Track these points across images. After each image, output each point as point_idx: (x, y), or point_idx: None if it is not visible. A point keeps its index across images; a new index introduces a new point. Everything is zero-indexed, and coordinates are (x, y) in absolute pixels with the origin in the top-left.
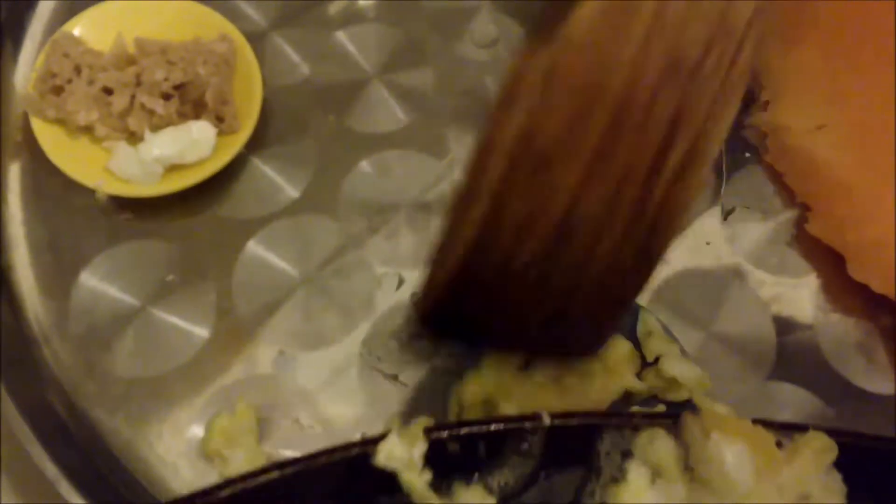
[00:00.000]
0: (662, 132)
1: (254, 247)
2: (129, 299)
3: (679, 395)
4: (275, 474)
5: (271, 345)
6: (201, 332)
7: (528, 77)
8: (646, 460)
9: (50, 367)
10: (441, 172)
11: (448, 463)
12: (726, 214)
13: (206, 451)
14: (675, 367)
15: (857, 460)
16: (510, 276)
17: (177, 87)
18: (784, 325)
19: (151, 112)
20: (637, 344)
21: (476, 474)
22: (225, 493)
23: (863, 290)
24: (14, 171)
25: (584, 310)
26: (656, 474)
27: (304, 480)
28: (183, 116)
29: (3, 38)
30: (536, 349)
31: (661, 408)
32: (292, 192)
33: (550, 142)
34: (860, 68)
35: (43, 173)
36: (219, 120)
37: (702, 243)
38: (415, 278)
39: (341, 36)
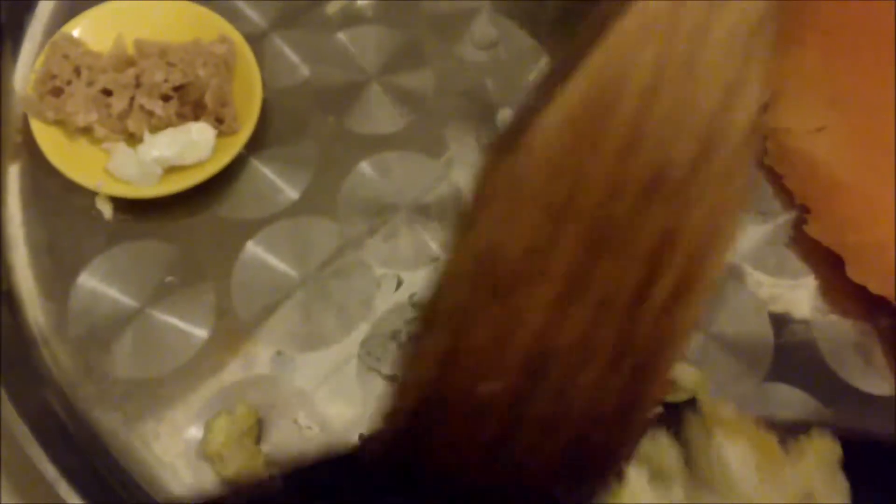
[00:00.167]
0: (647, 256)
1: (253, 248)
2: (128, 300)
3: (677, 397)
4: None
5: (270, 345)
6: (200, 332)
7: (488, 193)
8: (645, 460)
9: (49, 368)
10: (440, 173)
11: None
12: None
13: (204, 452)
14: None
15: (861, 459)
16: (473, 421)
17: (176, 89)
18: (782, 327)
19: (151, 113)
20: None
21: None
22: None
23: (861, 292)
24: (13, 173)
25: (555, 470)
26: (656, 475)
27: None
28: (182, 118)
29: (2, 39)
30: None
31: (658, 408)
32: (292, 193)
33: (514, 264)
34: (860, 70)
35: (42, 174)
36: (218, 121)
37: None
38: (414, 279)
39: (341, 37)
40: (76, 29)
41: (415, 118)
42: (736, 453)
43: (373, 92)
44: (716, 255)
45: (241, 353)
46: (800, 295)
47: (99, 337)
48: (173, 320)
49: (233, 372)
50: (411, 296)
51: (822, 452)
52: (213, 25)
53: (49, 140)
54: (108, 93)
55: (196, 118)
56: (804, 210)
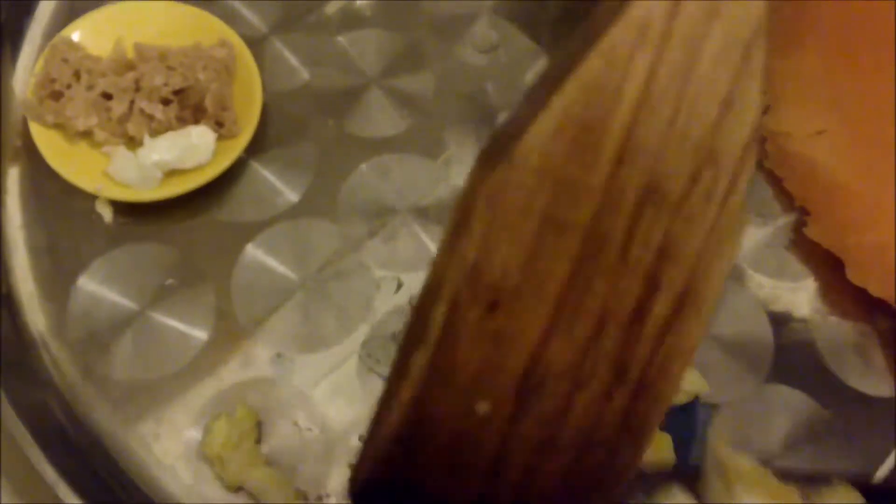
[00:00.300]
0: (644, 273)
1: (253, 250)
2: (127, 303)
3: (676, 399)
4: None
5: (270, 347)
6: (200, 335)
7: (475, 204)
8: None
9: (49, 371)
10: (440, 176)
11: None
12: None
13: (204, 454)
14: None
15: None
16: (461, 445)
17: (176, 93)
18: (782, 328)
19: (151, 117)
20: None
21: None
22: None
23: (861, 294)
24: (13, 176)
25: (555, 493)
26: None
27: None
28: (182, 121)
29: (1, 42)
30: None
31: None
32: (291, 195)
33: (502, 280)
34: (860, 73)
35: (42, 178)
36: (218, 125)
37: None
38: (414, 281)
39: (341, 40)
40: (76, 32)
41: (415, 121)
42: None
43: (373, 95)
44: (717, 271)
45: (241, 355)
46: (800, 296)
47: (99, 339)
48: (173, 322)
49: (233, 374)
50: (411, 298)
51: (843, 502)
52: (213, 29)
53: (49, 143)
54: (107, 96)
55: (196, 122)
56: (804, 212)
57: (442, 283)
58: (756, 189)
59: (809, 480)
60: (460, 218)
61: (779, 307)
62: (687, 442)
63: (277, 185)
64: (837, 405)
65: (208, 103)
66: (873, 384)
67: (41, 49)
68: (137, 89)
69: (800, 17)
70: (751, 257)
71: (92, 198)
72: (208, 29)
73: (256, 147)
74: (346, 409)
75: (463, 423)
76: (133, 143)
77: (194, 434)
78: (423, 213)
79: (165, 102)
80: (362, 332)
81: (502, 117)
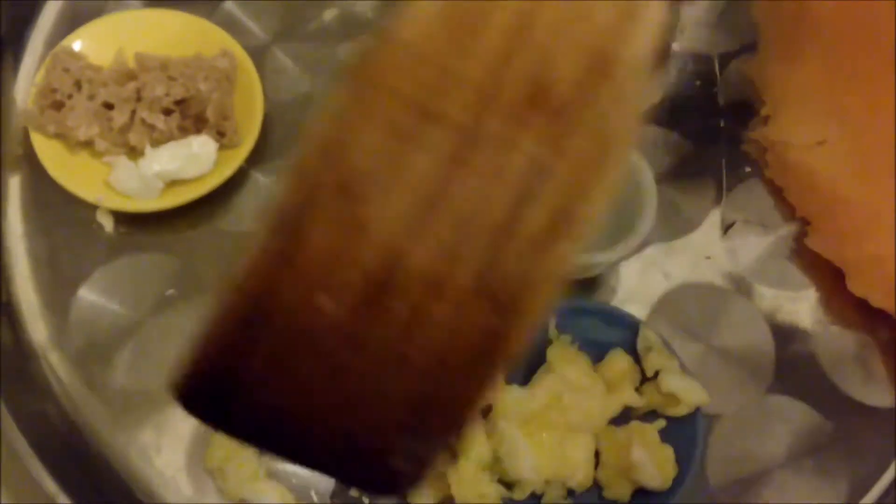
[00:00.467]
0: (518, 180)
1: None
2: (128, 313)
3: (678, 411)
4: None
5: None
6: None
7: (348, 78)
8: None
9: (49, 381)
10: None
11: None
12: (726, 228)
13: (206, 466)
14: (675, 382)
15: None
16: (302, 344)
17: (177, 103)
18: (783, 339)
19: (152, 127)
20: (637, 359)
21: None
22: None
23: (861, 304)
24: (14, 186)
25: (392, 418)
26: None
27: None
28: (184, 131)
29: (3, 51)
30: (329, 464)
31: (660, 422)
32: None
33: (365, 161)
34: (860, 83)
35: (43, 187)
36: (220, 135)
37: (702, 257)
38: None
39: (342, 50)
40: (77, 42)
41: None
42: None
43: None
44: (598, 191)
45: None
46: (801, 307)
47: (99, 349)
48: (174, 332)
49: None
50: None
51: None
52: (215, 39)
53: (50, 153)
54: (109, 106)
55: (197, 132)
56: (804, 223)
57: (302, 161)
58: (757, 200)
59: None
60: (332, 93)
61: (780, 318)
62: (688, 453)
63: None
64: (838, 416)
65: (209, 113)
66: (874, 394)
67: (43, 59)
68: (139, 99)
69: (800, 27)
70: (752, 268)
71: (93, 208)
72: (210, 39)
73: (258, 157)
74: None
75: (306, 320)
76: (134, 153)
77: (196, 446)
78: None
79: (167, 112)
80: None
81: None
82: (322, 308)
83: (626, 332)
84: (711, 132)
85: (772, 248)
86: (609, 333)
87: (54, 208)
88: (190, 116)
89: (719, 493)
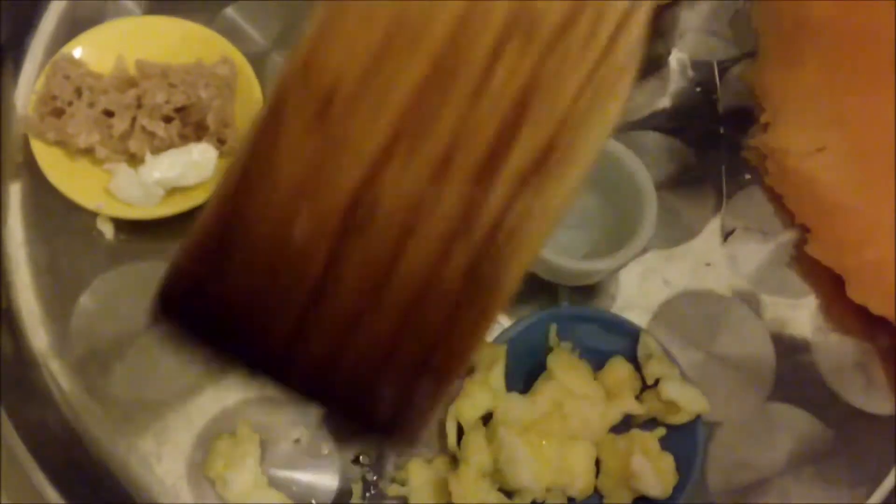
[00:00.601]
0: (503, 114)
1: None
2: (129, 321)
3: (679, 418)
4: None
5: None
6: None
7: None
8: None
9: (49, 389)
10: None
11: None
12: (726, 235)
13: (206, 474)
14: (675, 390)
15: None
16: (278, 267)
17: (178, 110)
18: (783, 346)
19: (152, 134)
20: (637, 366)
21: None
22: None
23: (862, 312)
24: (14, 193)
25: (373, 357)
26: None
27: None
28: (184, 139)
29: (3, 58)
30: (305, 385)
31: (661, 430)
32: None
33: (335, 83)
34: (860, 90)
35: (44, 194)
36: (220, 142)
37: (702, 264)
38: None
39: None
40: (77, 49)
41: None
42: None
43: None
44: (593, 130)
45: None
46: (801, 314)
47: (100, 357)
48: (175, 341)
49: (235, 392)
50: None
51: None
52: (215, 46)
53: (50, 160)
54: (109, 114)
55: (198, 139)
56: (804, 230)
57: (283, 80)
58: (757, 207)
59: None
60: (315, 13)
61: (780, 325)
62: (689, 461)
63: None
64: (839, 423)
65: (210, 120)
66: (875, 402)
67: (43, 66)
68: (139, 106)
69: (799, 33)
70: (753, 275)
71: (93, 215)
72: (210, 46)
73: None
74: (349, 428)
75: (281, 243)
76: (135, 160)
77: (196, 454)
78: None
79: (167, 120)
80: None
81: None
82: (297, 232)
83: (626, 339)
84: (711, 139)
85: (772, 255)
86: (609, 341)
87: (55, 216)
88: (190, 124)
89: (720, 501)
